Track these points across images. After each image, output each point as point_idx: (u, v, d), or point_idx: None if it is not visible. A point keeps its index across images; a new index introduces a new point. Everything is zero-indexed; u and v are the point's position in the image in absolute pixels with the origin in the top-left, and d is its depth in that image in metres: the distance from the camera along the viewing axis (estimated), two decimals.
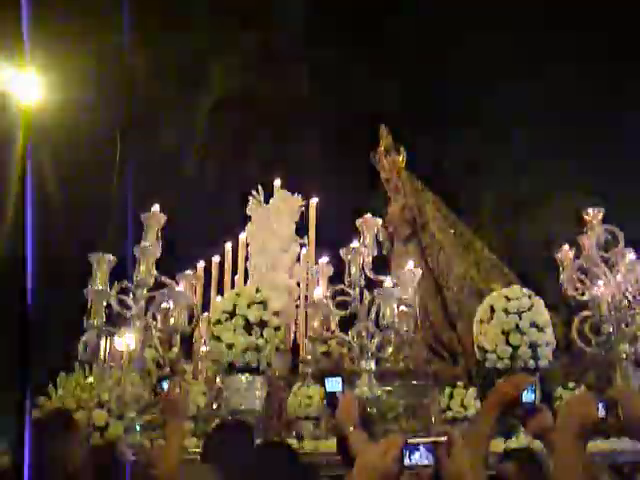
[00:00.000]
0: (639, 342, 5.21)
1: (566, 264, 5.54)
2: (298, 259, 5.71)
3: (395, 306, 4.59)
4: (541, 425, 2.31)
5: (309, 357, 5.31)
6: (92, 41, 10.93)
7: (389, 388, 5.20)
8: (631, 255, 5.59)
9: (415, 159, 7.35)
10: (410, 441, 1.51)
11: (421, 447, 1.51)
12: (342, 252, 4.74)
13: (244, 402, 4.61)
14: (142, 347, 4.71)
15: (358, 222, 5.07)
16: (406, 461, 1.50)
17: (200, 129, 11.17)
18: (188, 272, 5.24)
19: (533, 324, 4.77)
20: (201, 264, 5.72)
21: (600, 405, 1.85)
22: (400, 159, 6.70)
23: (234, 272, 5.77)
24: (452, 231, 6.20)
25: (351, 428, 2.43)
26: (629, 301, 5.25)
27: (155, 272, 4.92)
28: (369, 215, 5.09)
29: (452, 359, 5.68)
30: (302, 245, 5.45)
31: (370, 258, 4.97)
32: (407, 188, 6.47)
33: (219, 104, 11.54)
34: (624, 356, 5.12)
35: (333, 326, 4.96)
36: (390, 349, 4.58)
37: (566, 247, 5.62)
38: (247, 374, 4.61)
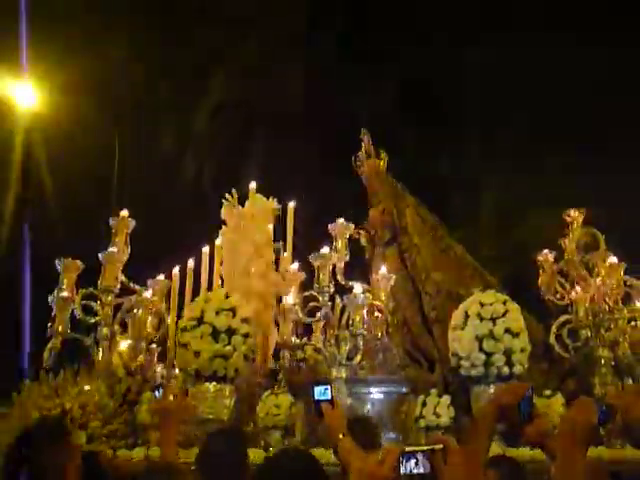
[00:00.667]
0: (620, 348, 5.15)
1: (546, 267, 5.45)
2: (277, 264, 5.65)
3: (365, 312, 4.50)
4: (540, 432, 2.30)
5: (286, 364, 5.22)
6: (88, 50, 10.98)
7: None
8: (612, 258, 5.51)
9: (401, 163, 7.30)
10: (407, 449, 1.52)
11: (418, 455, 1.52)
12: (311, 258, 4.66)
13: (212, 411, 4.53)
14: (108, 354, 4.65)
15: (330, 227, 4.99)
16: (402, 469, 1.52)
17: (187, 133, 11.18)
18: (160, 277, 5.16)
19: (507, 330, 4.67)
20: (176, 269, 5.65)
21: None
22: (381, 163, 6.62)
23: (210, 277, 5.69)
24: (431, 234, 6.11)
25: (341, 435, 2.41)
26: (609, 305, 5.16)
27: (123, 278, 4.86)
28: (341, 220, 5.01)
29: (429, 366, 5.59)
30: (278, 250, 5.37)
31: (342, 264, 4.90)
32: (387, 192, 6.38)
33: (205, 109, 11.55)
34: (603, 362, 5.03)
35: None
36: (359, 356, 4.47)
37: (546, 251, 5.53)
38: (214, 382, 4.54)
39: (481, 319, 4.70)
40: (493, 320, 4.69)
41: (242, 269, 5.12)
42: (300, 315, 4.60)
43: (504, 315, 4.72)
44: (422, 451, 1.53)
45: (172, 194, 9.12)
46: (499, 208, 10.70)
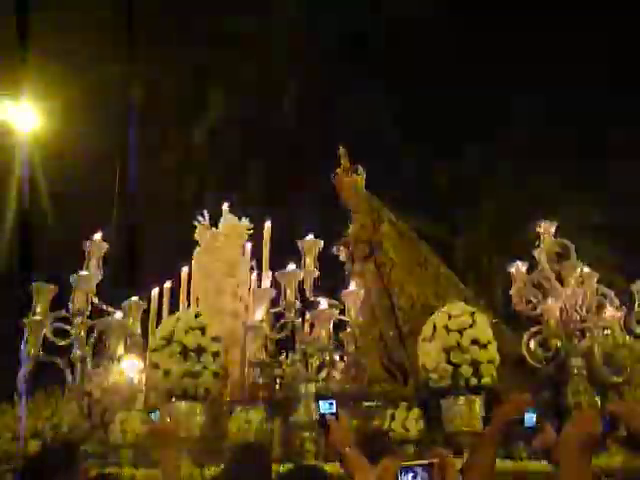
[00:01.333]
0: (593, 357, 5.15)
1: (518, 278, 5.47)
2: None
3: (330, 328, 4.55)
4: (545, 443, 2.35)
5: (261, 381, 5.27)
6: (86, 72, 11.24)
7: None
8: (585, 268, 5.52)
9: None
10: (405, 464, 1.55)
11: (416, 469, 1.55)
12: (278, 275, 4.72)
13: (183, 429, 4.59)
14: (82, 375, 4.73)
15: (299, 244, 5.06)
16: None
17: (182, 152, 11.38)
18: (134, 299, 5.25)
19: (475, 341, 4.69)
20: (155, 290, 5.75)
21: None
22: (358, 179, 6.69)
23: (189, 298, 5.78)
24: (408, 248, 6.15)
25: (347, 449, 2.44)
26: (580, 315, 5.16)
27: (95, 300, 4.96)
28: (309, 236, 5.08)
29: (404, 379, 5.60)
30: (252, 268, 5.44)
31: (311, 279, 4.96)
32: (363, 208, 6.45)
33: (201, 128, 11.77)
34: (576, 371, 5.03)
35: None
36: (324, 372, 4.51)
37: (519, 262, 5.55)
38: (185, 401, 4.60)
39: (448, 331, 4.73)
40: (460, 332, 4.72)
41: (215, 288, 5.20)
42: (267, 331, 4.65)
43: (471, 327, 4.75)
44: (420, 465, 1.56)
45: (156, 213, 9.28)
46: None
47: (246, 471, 2.91)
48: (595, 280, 5.44)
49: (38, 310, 4.78)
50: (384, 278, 5.98)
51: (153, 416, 3.66)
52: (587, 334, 5.21)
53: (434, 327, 4.86)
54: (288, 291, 4.67)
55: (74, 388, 4.77)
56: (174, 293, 5.91)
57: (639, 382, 4.91)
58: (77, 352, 4.75)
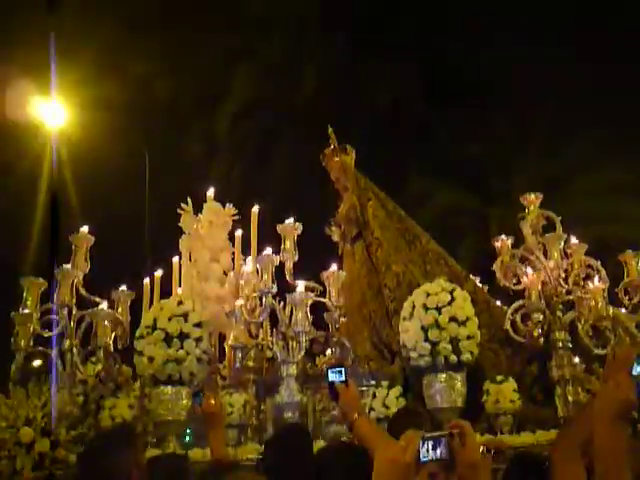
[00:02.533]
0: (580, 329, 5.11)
1: (503, 253, 5.44)
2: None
3: (307, 311, 4.61)
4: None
5: (250, 364, 5.37)
6: (115, 67, 11.42)
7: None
8: (573, 239, 5.47)
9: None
10: (426, 435, 1.58)
11: (437, 440, 1.57)
12: (257, 260, 4.80)
13: (169, 413, 4.73)
14: (72, 365, 4.90)
15: (278, 228, 5.11)
16: (422, 455, 1.57)
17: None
18: (123, 288, 5.38)
19: (453, 319, 4.71)
20: (147, 280, 5.88)
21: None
22: (347, 159, 6.69)
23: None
24: (396, 227, 6.16)
25: (356, 415, 2.52)
26: (566, 288, 5.12)
27: (84, 292, 5.11)
28: (289, 220, 5.13)
29: (392, 358, 5.65)
30: (233, 254, 5.52)
31: (290, 263, 5.02)
32: (352, 187, 6.46)
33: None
34: (560, 345, 5.00)
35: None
36: (302, 353, 4.59)
37: (503, 236, 5.51)
38: (170, 386, 4.73)
39: (426, 309, 4.76)
40: (438, 309, 4.74)
41: (199, 274, 5.30)
42: (245, 316, 4.74)
43: (450, 304, 4.77)
44: (441, 436, 1.57)
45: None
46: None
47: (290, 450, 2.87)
48: (583, 252, 5.39)
49: (28, 303, 4.96)
50: (372, 257, 6.01)
51: (197, 399, 3.75)
52: (579, 306, 5.19)
53: (413, 305, 4.91)
54: (265, 275, 4.74)
55: (64, 377, 4.96)
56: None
57: None
58: (66, 342, 4.93)
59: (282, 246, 5.00)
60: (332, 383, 2.59)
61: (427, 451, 1.56)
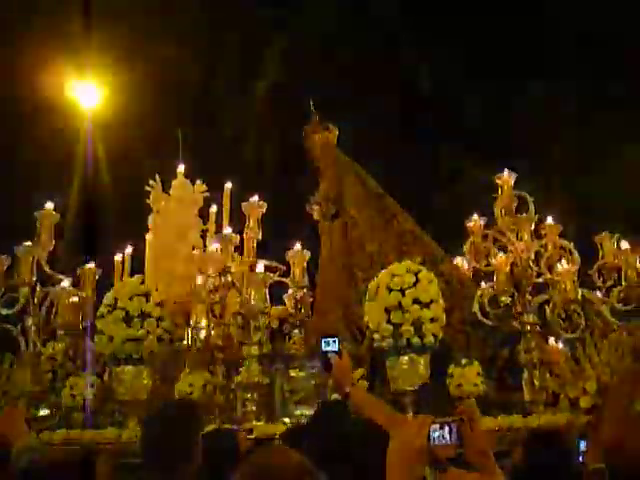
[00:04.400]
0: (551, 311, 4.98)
1: (475, 233, 5.30)
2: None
3: (266, 291, 4.54)
4: None
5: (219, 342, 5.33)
6: (147, 50, 11.38)
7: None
8: (548, 220, 5.31)
9: None
10: (437, 420, 1.60)
11: (447, 425, 1.59)
12: (215, 239, 4.72)
13: (130, 392, 4.72)
14: (34, 343, 4.90)
15: (243, 206, 5.02)
16: (432, 440, 1.59)
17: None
18: (88, 266, 5.35)
19: (416, 301, 4.61)
20: (119, 256, 5.84)
21: None
22: (330, 136, 6.56)
23: None
24: (374, 205, 6.03)
25: (351, 386, 2.50)
26: (536, 270, 4.98)
27: (47, 269, 5.08)
28: (254, 198, 5.04)
29: (363, 338, 5.57)
30: (204, 231, 5.45)
31: (254, 242, 4.94)
32: (331, 165, 6.33)
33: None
34: (528, 328, 4.88)
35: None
36: (258, 335, 4.52)
37: (475, 216, 5.37)
38: (131, 365, 4.71)
39: (390, 290, 4.66)
40: (402, 291, 4.64)
41: (166, 252, 5.24)
42: (204, 296, 4.69)
43: (414, 286, 4.66)
44: (451, 421, 1.59)
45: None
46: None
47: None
48: (557, 233, 5.24)
49: None
50: (347, 237, 5.91)
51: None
52: (552, 288, 5.06)
53: (378, 286, 4.81)
54: (224, 255, 4.68)
55: (27, 355, 4.96)
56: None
57: (596, 338, 4.73)
58: (29, 320, 4.93)
59: (245, 224, 4.92)
60: (325, 353, 2.54)
61: (438, 436, 1.59)
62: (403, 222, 6.04)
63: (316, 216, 6.67)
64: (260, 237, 5.00)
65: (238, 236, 4.86)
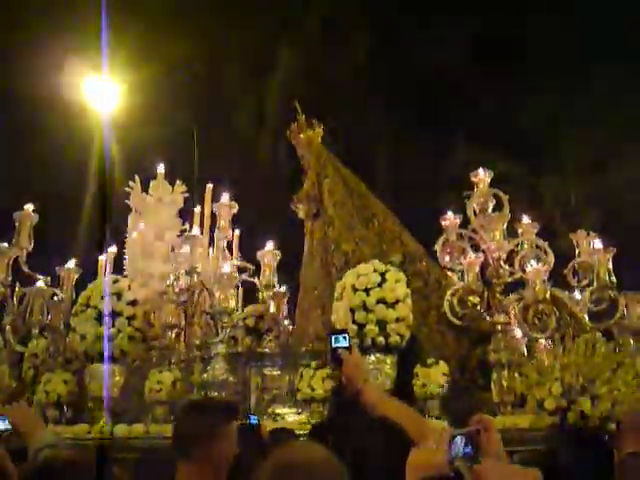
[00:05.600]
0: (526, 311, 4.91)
1: (449, 231, 5.26)
2: None
3: (234, 290, 4.59)
4: None
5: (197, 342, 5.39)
6: (163, 52, 11.56)
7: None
8: (525, 219, 5.25)
9: None
10: (454, 432, 1.60)
11: (464, 437, 1.59)
12: (182, 239, 4.79)
13: (101, 389, 4.81)
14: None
15: (214, 207, 5.07)
16: (451, 452, 1.58)
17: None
18: (70, 265, 5.46)
19: (381, 301, 4.60)
20: (102, 257, 5.95)
21: None
22: (314, 135, 6.57)
23: None
24: (353, 204, 6.02)
25: (363, 382, 2.43)
26: (507, 269, 4.93)
27: (26, 269, 5.21)
28: (225, 198, 5.08)
29: None
30: (183, 232, 5.51)
31: (224, 242, 4.99)
32: (313, 163, 6.35)
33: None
34: (499, 327, 4.83)
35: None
36: (222, 334, 4.57)
37: (450, 214, 5.32)
38: (100, 363, 4.80)
39: (355, 290, 4.67)
40: (367, 291, 4.64)
41: (144, 252, 5.31)
42: (171, 296, 4.75)
43: (380, 285, 4.66)
44: (469, 433, 1.58)
45: None
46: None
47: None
48: (534, 232, 5.17)
49: None
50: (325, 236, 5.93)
51: None
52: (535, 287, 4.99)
53: (344, 286, 4.82)
54: (192, 255, 4.74)
55: (4, 352, 5.11)
56: None
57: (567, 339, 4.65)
58: (6, 318, 5.07)
59: (217, 225, 4.97)
60: (335, 349, 2.49)
61: (457, 448, 1.58)
62: (383, 221, 6.03)
63: (301, 215, 6.72)
64: (231, 237, 5.04)
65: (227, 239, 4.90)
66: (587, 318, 5.04)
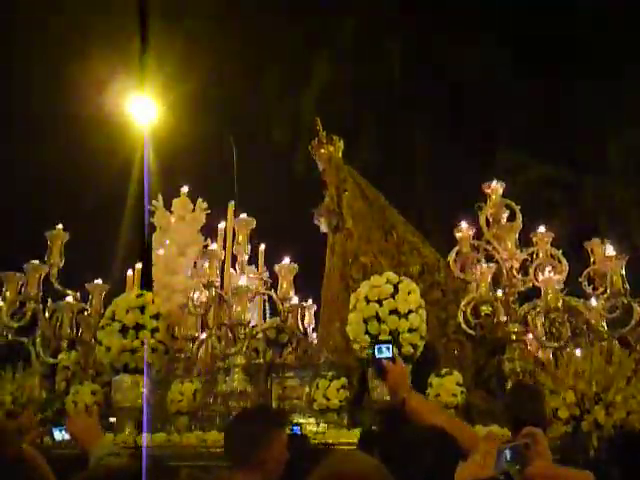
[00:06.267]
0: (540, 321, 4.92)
1: (463, 242, 5.30)
2: None
3: (247, 303, 4.74)
4: None
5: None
6: (201, 68, 11.97)
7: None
8: (540, 228, 5.27)
9: None
10: (501, 445, 1.61)
11: (511, 449, 1.59)
12: (200, 254, 4.96)
13: (127, 400, 5.02)
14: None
15: (233, 223, 5.25)
16: (498, 465, 1.58)
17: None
18: (97, 281, 5.71)
19: (394, 311, 4.67)
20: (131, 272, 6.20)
21: None
22: (332, 149, 6.71)
23: None
24: (373, 217, 6.12)
25: (408, 391, 2.49)
26: (520, 279, 4.95)
27: (57, 285, 5.49)
28: (243, 215, 5.26)
29: None
30: (205, 247, 5.70)
31: (245, 257, 5.15)
32: (332, 178, 6.47)
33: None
34: (514, 337, 4.84)
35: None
36: (238, 345, 4.72)
37: (464, 224, 5.37)
38: (127, 374, 5.01)
39: (368, 301, 4.76)
40: (379, 302, 4.72)
41: (167, 267, 5.53)
42: (191, 309, 4.93)
43: (392, 297, 4.73)
44: (516, 446, 1.58)
45: None
46: None
47: None
48: (548, 241, 5.18)
49: (7, 296, 5.40)
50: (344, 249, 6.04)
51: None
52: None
53: (358, 298, 4.91)
54: (209, 269, 4.92)
55: (36, 364, 5.36)
56: None
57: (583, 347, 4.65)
58: (37, 332, 5.34)
59: (235, 240, 5.15)
60: (379, 359, 2.59)
61: (503, 462, 1.57)
62: (402, 233, 6.11)
63: (323, 229, 6.85)
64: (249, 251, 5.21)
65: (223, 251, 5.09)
66: (605, 326, 5.05)
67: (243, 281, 4.84)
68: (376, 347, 2.59)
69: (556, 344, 4.71)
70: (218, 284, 4.97)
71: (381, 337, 4.69)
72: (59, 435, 3.37)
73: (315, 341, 6.21)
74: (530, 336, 4.89)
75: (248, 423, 2.58)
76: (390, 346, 2.58)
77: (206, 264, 5.20)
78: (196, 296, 5.08)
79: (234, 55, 11.99)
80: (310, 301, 7.10)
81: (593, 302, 5.09)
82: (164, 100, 11.27)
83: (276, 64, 12.43)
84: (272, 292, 5.11)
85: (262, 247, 6.31)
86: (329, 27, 12.86)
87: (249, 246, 5.23)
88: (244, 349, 4.77)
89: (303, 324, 5.78)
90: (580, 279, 5.07)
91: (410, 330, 4.69)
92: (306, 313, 7.02)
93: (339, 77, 12.88)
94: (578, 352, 4.94)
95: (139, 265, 6.08)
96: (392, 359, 2.53)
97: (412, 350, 4.70)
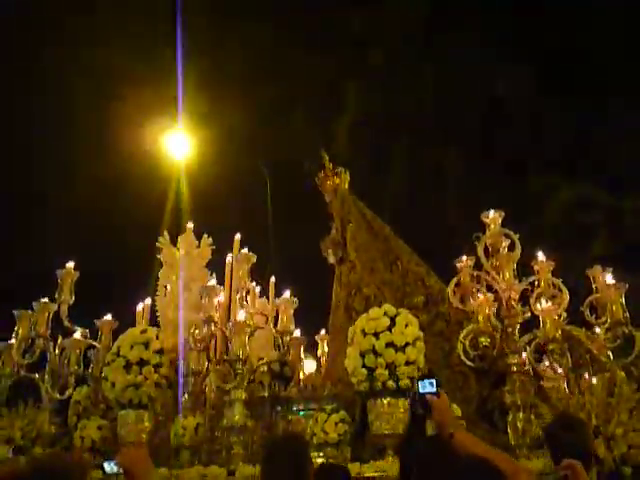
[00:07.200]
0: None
1: (463, 274, 5.28)
2: None
3: (246, 338, 4.80)
4: None
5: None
6: (239, 101, 12.28)
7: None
8: (540, 256, 5.22)
9: None
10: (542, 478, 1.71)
11: None
12: (199, 290, 5.06)
13: (131, 435, 5.09)
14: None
15: (232, 258, 5.34)
16: None
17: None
18: (107, 317, 5.85)
19: (390, 344, 4.66)
20: (140, 306, 6.32)
21: None
22: (337, 181, 6.79)
23: None
24: (378, 248, 6.15)
25: (452, 427, 2.59)
26: (519, 309, 4.89)
27: (67, 322, 5.64)
28: (244, 251, 5.34)
29: None
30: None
31: (242, 293, 5.23)
32: (337, 210, 6.54)
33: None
34: (514, 369, 4.78)
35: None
36: (237, 380, 4.77)
37: (465, 256, 5.35)
38: (132, 409, 5.09)
39: (364, 334, 4.76)
40: (376, 335, 4.72)
41: (172, 302, 5.64)
42: (191, 344, 5.01)
43: (389, 329, 4.73)
44: (555, 477, 1.68)
45: None
46: None
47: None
48: (549, 270, 5.12)
49: (20, 333, 5.57)
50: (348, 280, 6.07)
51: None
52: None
53: (355, 331, 4.92)
54: (208, 305, 5.00)
55: (46, 399, 5.49)
56: None
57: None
58: (46, 369, 5.49)
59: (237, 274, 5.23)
60: (422, 395, 2.66)
61: None
62: (407, 263, 6.12)
63: (331, 260, 6.90)
64: (249, 288, 5.28)
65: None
66: (611, 356, 4.95)
67: (242, 316, 4.90)
68: (419, 383, 2.63)
69: (556, 375, 4.64)
70: (217, 319, 5.05)
71: (378, 370, 4.67)
72: (109, 468, 3.38)
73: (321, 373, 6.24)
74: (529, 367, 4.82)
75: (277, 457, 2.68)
76: (434, 381, 2.63)
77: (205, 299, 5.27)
78: (198, 331, 5.15)
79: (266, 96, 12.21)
80: (323, 332, 7.17)
81: (597, 331, 5.01)
82: (198, 136, 11.57)
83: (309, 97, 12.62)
84: (271, 326, 5.16)
85: (272, 279, 6.39)
86: (359, 58, 13.03)
87: (253, 282, 5.31)
88: (245, 383, 4.81)
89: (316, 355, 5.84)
90: (582, 308, 5.00)
91: (407, 363, 4.68)
92: (319, 345, 7.10)
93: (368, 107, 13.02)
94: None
95: (148, 301, 6.20)
96: (436, 394, 2.55)
97: (410, 383, 4.68)
